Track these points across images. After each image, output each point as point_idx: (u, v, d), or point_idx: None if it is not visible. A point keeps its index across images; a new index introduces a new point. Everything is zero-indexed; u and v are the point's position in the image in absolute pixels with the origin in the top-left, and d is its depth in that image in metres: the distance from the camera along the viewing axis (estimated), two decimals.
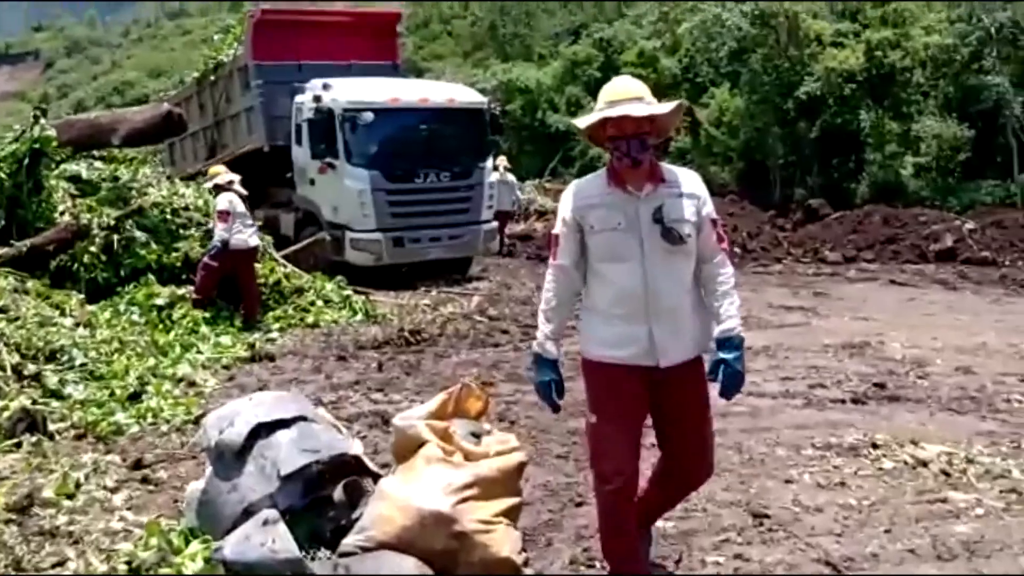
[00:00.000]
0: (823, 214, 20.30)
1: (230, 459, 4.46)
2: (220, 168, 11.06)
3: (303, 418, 4.46)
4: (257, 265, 10.64)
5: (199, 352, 8.80)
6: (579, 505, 5.11)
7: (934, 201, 21.85)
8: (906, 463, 5.71)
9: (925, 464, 5.67)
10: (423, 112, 14.10)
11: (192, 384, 7.77)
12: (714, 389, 3.82)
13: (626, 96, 3.66)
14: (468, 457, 4.28)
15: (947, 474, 5.52)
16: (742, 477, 5.46)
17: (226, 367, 8.48)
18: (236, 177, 10.63)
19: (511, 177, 18.09)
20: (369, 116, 13.22)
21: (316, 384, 7.75)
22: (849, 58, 25.01)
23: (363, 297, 11.41)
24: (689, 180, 3.81)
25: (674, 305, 3.69)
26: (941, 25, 25.06)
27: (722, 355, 3.73)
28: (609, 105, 3.65)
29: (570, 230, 3.79)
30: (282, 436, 4.43)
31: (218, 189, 10.34)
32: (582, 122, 3.80)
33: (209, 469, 4.56)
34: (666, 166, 3.84)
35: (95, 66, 78.94)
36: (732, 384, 3.75)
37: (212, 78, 16.68)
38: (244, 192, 10.53)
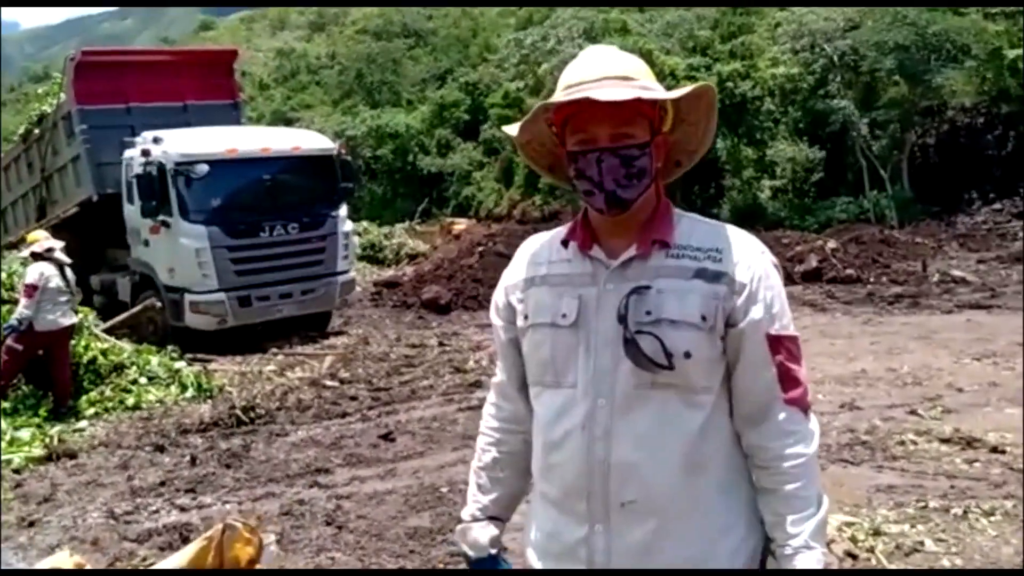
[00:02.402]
0: None
1: None
2: (40, 233, 9.35)
3: None
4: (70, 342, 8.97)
5: None
6: None
7: (792, 221, 21.98)
8: None
9: (828, 544, 4.60)
10: (266, 162, 12.55)
11: None
12: None
13: (597, 75, 1.83)
14: None
15: (853, 556, 4.49)
16: None
17: (16, 471, 6.85)
18: (57, 244, 8.94)
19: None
20: (204, 168, 11.67)
21: (113, 489, 6.20)
22: None
23: (196, 369, 9.80)
24: (731, 248, 1.86)
25: (650, 497, 1.81)
26: (785, 56, 25.43)
27: None
28: (567, 90, 1.84)
29: (503, 322, 2.06)
30: None
31: (36, 258, 8.66)
32: (513, 128, 1.93)
33: None
34: (690, 218, 1.96)
35: None
36: None
37: (37, 132, 14.77)
38: (67, 260, 8.88)
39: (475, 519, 2.11)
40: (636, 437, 1.79)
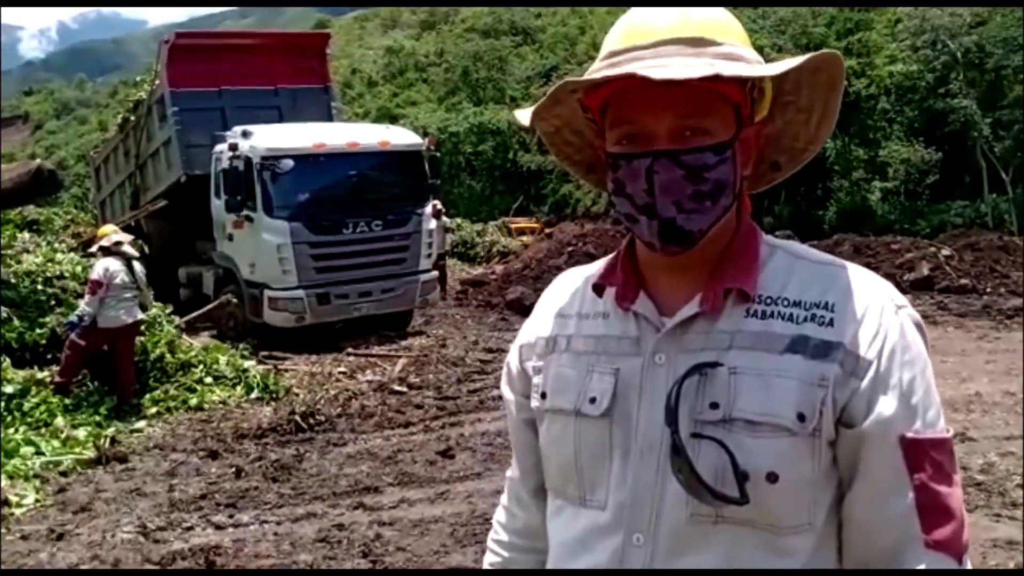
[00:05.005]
0: None
1: None
2: (109, 228, 9.19)
3: None
4: (139, 338, 8.73)
5: (39, 453, 6.88)
6: None
7: (903, 225, 20.78)
8: None
9: None
10: (353, 157, 12.12)
11: (4, 503, 5.89)
12: None
13: (655, 37, 1.15)
14: None
15: None
16: None
17: (63, 473, 6.57)
18: (126, 238, 8.74)
19: (445, 220, 16.12)
20: (289, 163, 11.38)
21: (153, 500, 5.84)
22: None
23: (264, 370, 9.46)
24: (849, 300, 1.17)
25: None
26: (904, 53, 24.08)
27: None
28: (609, 61, 1.17)
29: (516, 396, 1.40)
30: None
31: (104, 252, 8.44)
32: (523, 115, 1.25)
33: None
34: (788, 252, 1.25)
35: (82, 126, 77.27)
36: None
37: (132, 119, 14.82)
38: (135, 254, 8.65)
39: None
40: None
